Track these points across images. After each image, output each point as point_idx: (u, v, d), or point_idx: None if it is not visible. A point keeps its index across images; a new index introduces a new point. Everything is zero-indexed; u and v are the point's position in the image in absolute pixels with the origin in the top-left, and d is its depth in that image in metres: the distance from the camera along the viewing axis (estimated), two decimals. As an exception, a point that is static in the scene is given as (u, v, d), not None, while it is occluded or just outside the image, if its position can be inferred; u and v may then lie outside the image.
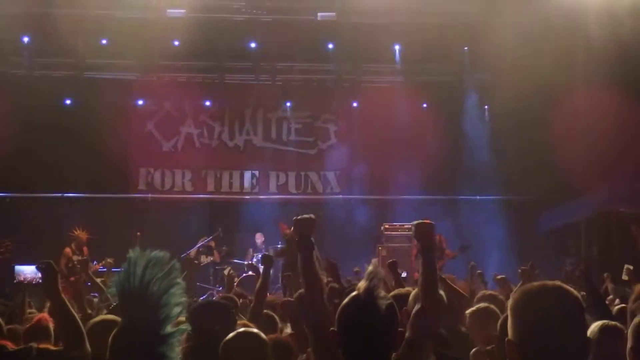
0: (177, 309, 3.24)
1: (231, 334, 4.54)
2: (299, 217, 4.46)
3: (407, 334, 3.90)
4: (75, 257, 16.50)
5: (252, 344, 4.49)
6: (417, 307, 4.32)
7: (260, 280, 7.34)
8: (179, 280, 3.28)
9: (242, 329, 4.69)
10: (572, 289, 2.86)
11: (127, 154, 19.64)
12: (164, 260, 3.30)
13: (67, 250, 16.65)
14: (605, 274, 11.30)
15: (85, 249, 16.82)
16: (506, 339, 2.84)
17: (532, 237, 18.84)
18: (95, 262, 16.65)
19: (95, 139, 18.74)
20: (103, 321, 5.35)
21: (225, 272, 16.89)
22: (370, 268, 3.47)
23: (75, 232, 16.68)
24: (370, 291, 3.38)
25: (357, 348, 3.40)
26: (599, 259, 16.87)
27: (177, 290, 3.27)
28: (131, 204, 19.33)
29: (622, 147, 15.97)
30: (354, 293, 3.46)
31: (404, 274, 8.82)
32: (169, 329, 3.21)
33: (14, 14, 17.20)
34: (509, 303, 2.93)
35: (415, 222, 4.67)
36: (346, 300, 3.49)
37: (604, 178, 16.41)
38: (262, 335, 4.60)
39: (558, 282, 2.92)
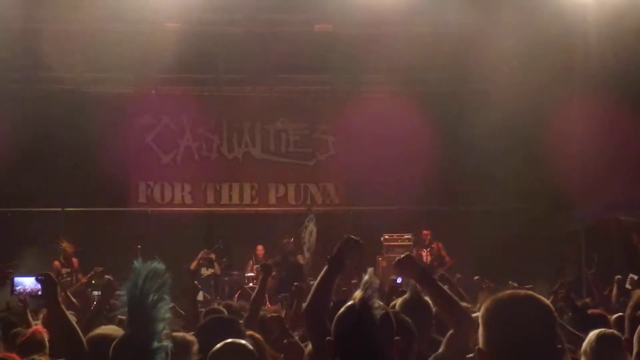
0: (162, 325, 3.27)
1: (218, 345, 4.54)
2: (351, 238, 4.58)
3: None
4: (64, 270, 16.51)
5: (239, 355, 4.49)
6: (450, 332, 4.37)
7: (256, 290, 7.32)
8: (166, 296, 3.31)
9: (229, 340, 4.69)
10: (543, 298, 2.85)
11: (126, 168, 19.67)
12: (160, 273, 3.33)
13: (56, 263, 16.68)
14: (616, 277, 11.29)
15: (74, 260, 16.82)
16: (477, 348, 2.85)
17: (531, 246, 18.80)
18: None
19: (94, 153, 18.78)
20: (103, 334, 5.35)
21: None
22: (366, 277, 3.49)
23: (62, 245, 16.69)
24: (365, 301, 3.40)
25: (353, 357, 3.41)
26: (599, 267, 16.85)
27: (164, 305, 3.29)
28: (131, 218, 19.31)
29: (621, 155, 15.99)
30: (350, 302, 3.47)
31: (399, 280, 8.80)
32: (155, 344, 3.23)
33: (11, 29, 17.24)
34: (481, 312, 2.93)
35: (394, 262, 4.75)
36: (342, 309, 3.50)
37: (603, 186, 16.41)
38: (249, 346, 4.61)
39: (529, 292, 2.92)
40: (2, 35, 17.15)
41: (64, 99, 18.98)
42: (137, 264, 3.31)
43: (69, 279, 16.41)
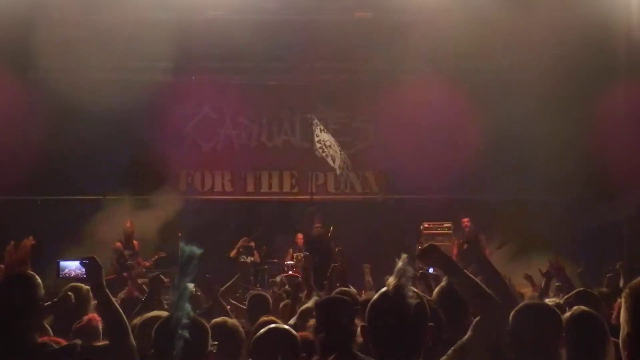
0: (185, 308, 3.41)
1: (262, 330, 4.61)
2: (420, 252, 4.64)
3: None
4: (126, 252, 16.58)
5: (282, 339, 4.54)
6: (477, 318, 4.42)
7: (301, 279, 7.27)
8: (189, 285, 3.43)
9: (273, 325, 4.75)
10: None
11: (167, 156, 19.77)
12: (193, 257, 3.44)
13: (118, 244, 16.69)
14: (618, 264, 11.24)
15: (135, 242, 16.89)
16: (626, 332, 2.94)
17: (573, 237, 18.66)
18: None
19: (135, 142, 18.94)
20: (149, 318, 5.42)
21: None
22: (399, 264, 3.48)
23: (125, 225, 16.78)
24: (399, 289, 3.39)
25: (387, 344, 3.42)
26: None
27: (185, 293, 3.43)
28: (172, 205, 19.43)
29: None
30: (383, 289, 3.47)
31: (431, 270, 8.78)
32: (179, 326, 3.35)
33: (51, 18, 17.42)
34: (624, 297, 3.01)
35: (417, 253, 4.78)
36: (376, 296, 3.50)
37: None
38: (292, 331, 4.65)
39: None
40: (45, 25, 17.34)
41: (106, 88, 19.09)
42: (182, 244, 3.40)
43: (130, 262, 16.52)
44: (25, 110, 18.71)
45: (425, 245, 4.98)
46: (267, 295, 8.54)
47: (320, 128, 17.71)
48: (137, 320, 5.51)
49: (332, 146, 17.68)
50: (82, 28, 17.91)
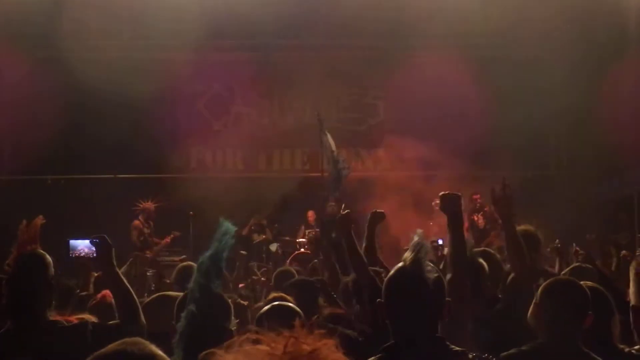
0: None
1: (266, 307, 4.66)
2: (445, 194, 4.70)
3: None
4: (146, 230, 16.59)
5: (286, 316, 4.55)
6: (448, 276, 4.44)
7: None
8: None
9: (276, 302, 4.79)
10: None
11: (177, 134, 19.75)
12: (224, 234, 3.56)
13: (137, 222, 16.72)
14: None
15: (151, 222, 16.91)
16: (632, 305, 3.00)
17: (583, 210, 18.62)
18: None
19: (145, 120, 18.91)
20: (160, 296, 5.44)
21: (273, 248, 17.00)
22: (416, 239, 3.46)
23: (143, 204, 16.77)
24: (417, 263, 3.37)
25: (404, 319, 3.40)
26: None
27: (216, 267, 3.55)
28: (183, 183, 19.42)
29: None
30: (400, 264, 3.46)
31: (440, 241, 8.81)
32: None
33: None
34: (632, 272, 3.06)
35: (441, 193, 4.82)
36: (392, 271, 3.49)
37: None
38: (296, 308, 4.67)
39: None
40: (52, 4, 17.32)
41: (114, 66, 19.05)
42: (222, 220, 3.55)
43: (150, 239, 16.57)
44: (35, 90, 18.71)
45: (451, 192, 5.00)
46: (294, 271, 8.61)
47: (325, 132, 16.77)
48: (145, 299, 5.54)
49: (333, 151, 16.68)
50: (92, 6, 17.88)
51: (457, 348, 3.45)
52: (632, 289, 4.22)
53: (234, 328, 3.87)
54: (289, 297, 5.49)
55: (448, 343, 3.42)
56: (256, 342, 1.75)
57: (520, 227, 6.26)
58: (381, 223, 7.06)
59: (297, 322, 1.81)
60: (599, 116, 17.11)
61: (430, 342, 3.39)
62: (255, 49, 20.35)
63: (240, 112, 20.74)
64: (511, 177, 19.02)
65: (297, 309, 4.67)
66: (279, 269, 9.04)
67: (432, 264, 3.48)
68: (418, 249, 3.40)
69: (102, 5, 17.84)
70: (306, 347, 1.71)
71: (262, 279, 13.32)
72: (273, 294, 5.97)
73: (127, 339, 2.50)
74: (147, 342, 2.48)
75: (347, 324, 5.35)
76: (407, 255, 3.43)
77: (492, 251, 6.73)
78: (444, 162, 19.47)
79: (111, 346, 2.44)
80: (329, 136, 15.03)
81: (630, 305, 4.25)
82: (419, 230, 3.63)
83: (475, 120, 19.26)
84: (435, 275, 3.38)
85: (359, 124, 20.72)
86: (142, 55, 19.48)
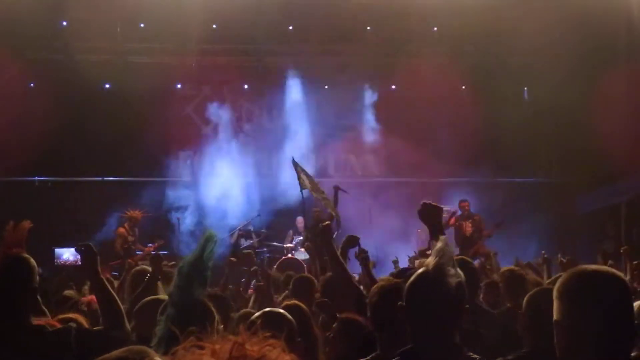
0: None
1: (256, 314, 4.62)
2: (425, 204, 4.65)
3: None
4: (130, 238, 16.53)
5: (277, 323, 4.51)
6: None
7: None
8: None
9: (267, 309, 4.77)
10: (620, 274, 2.92)
11: (166, 138, 19.68)
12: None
13: (122, 230, 16.63)
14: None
15: (136, 230, 16.85)
16: (554, 320, 2.87)
17: (571, 219, 18.68)
18: (149, 245, 16.81)
19: (134, 123, 18.84)
20: (151, 300, 5.42)
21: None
22: (439, 245, 3.47)
23: (129, 213, 16.72)
24: (440, 268, 3.37)
25: (425, 324, 3.40)
26: (639, 242, 16.72)
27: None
28: (171, 188, 19.38)
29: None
30: (422, 269, 3.45)
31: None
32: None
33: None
34: (558, 285, 2.95)
35: (422, 202, 4.79)
36: (414, 276, 3.48)
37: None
38: (288, 315, 4.63)
39: (608, 267, 2.98)
40: (45, 5, 17.28)
41: (105, 69, 19.03)
42: (207, 228, 3.61)
43: (133, 247, 16.50)
44: (24, 91, 18.66)
45: (433, 203, 4.97)
46: (312, 278, 8.49)
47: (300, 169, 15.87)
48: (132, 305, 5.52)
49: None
50: (82, 8, 17.83)
51: (475, 356, 3.45)
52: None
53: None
54: (303, 305, 5.43)
55: (466, 349, 3.43)
56: (201, 347, 1.72)
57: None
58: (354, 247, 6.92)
59: (241, 327, 1.79)
60: (589, 126, 17.17)
61: (448, 348, 3.39)
62: (246, 54, 20.34)
63: (229, 116, 20.66)
64: (500, 185, 19.24)
65: (289, 316, 4.65)
66: (298, 275, 8.77)
67: (455, 270, 3.48)
68: (441, 254, 3.41)
69: (94, 8, 17.77)
70: (252, 353, 1.68)
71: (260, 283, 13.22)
72: (292, 301, 5.79)
73: (132, 347, 2.46)
74: (151, 351, 2.45)
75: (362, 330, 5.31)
76: (430, 260, 3.43)
77: (469, 259, 6.70)
78: (434, 168, 19.54)
79: (114, 353, 2.41)
80: (306, 176, 14.77)
81: None
82: (443, 237, 3.67)
83: (464, 127, 19.32)
84: (458, 280, 3.38)
85: (349, 130, 20.71)
86: (132, 59, 19.46)
